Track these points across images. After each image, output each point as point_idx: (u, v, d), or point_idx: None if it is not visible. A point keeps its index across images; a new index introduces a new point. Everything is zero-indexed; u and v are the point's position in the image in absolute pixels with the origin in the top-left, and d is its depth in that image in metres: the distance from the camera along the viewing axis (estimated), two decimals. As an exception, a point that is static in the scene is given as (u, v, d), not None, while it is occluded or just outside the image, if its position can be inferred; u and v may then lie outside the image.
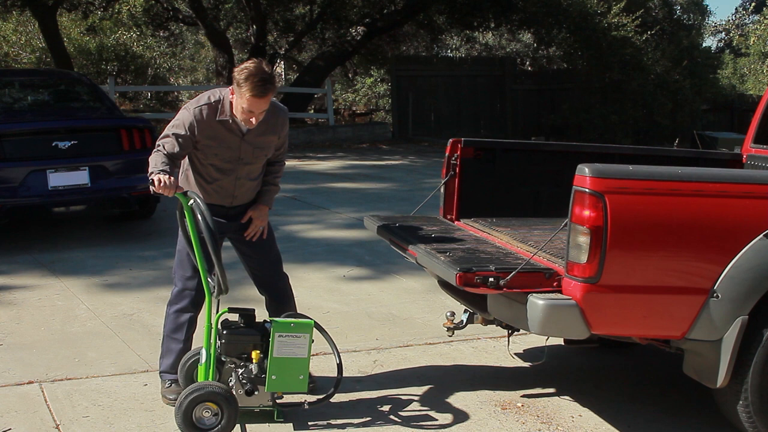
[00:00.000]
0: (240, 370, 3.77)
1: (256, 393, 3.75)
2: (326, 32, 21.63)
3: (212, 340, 3.75)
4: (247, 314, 3.83)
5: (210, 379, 3.74)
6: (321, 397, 3.89)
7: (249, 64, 3.71)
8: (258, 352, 3.75)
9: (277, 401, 3.83)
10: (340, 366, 3.89)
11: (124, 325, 5.28)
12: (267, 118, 3.90)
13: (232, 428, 3.66)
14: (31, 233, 7.96)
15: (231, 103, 3.82)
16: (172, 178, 3.70)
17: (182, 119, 3.83)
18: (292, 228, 8.32)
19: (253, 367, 3.74)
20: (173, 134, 3.81)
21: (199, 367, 3.84)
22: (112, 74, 19.75)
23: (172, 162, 3.80)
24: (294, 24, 21.93)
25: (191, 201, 3.71)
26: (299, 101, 19.78)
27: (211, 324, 3.74)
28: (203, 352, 3.80)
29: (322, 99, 21.79)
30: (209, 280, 3.76)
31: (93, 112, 8.55)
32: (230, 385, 3.78)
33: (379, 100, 23.20)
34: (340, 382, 3.89)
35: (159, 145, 3.82)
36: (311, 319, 3.80)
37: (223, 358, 3.81)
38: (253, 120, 3.78)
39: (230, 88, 3.79)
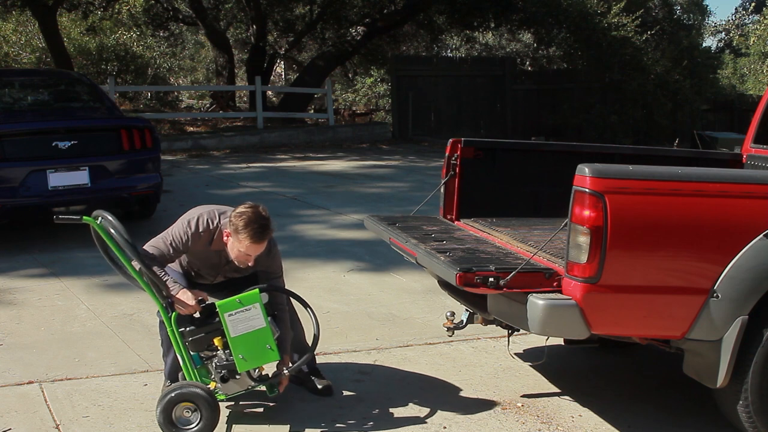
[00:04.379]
0: (214, 361, 3.78)
1: (237, 377, 3.75)
2: (326, 32, 21.66)
3: (180, 343, 3.76)
4: (203, 306, 3.77)
5: (194, 379, 3.75)
6: (300, 361, 3.90)
7: (247, 210, 3.74)
8: (220, 338, 3.74)
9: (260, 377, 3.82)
10: (316, 322, 3.88)
11: (124, 325, 5.28)
12: None
13: (213, 428, 3.64)
14: (31, 233, 7.95)
15: (225, 242, 3.84)
16: (194, 297, 3.73)
17: (178, 237, 3.87)
18: (292, 228, 8.32)
19: (222, 354, 3.75)
20: (163, 250, 3.84)
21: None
22: (112, 74, 19.74)
23: (163, 269, 3.83)
24: (294, 24, 21.96)
25: (99, 219, 3.67)
26: (299, 101, 19.79)
27: (172, 328, 3.74)
28: (177, 355, 3.83)
29: (322, 99, 21.80)
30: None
31: (93, 112, 8.55)
32: (212, 377, 3.79)
33: (379, 100, 23.20)
34: (317, 339, 3.88)
35: (150, 254, 3.80)
36: (257, 287, 3.77)
37: (201, 355, 3.81)
38: (251, 263, 3.84)
39: (226, 230, 3.81)
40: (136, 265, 3.67)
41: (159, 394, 4.09)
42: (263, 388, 3.90)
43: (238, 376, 3.76)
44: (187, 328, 3.74)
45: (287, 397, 4.15)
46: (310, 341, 4.01)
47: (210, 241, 3.91)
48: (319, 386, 4.22)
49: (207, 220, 3.90)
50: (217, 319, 3.71)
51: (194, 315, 3.77)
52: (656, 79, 18.89)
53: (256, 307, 3.70)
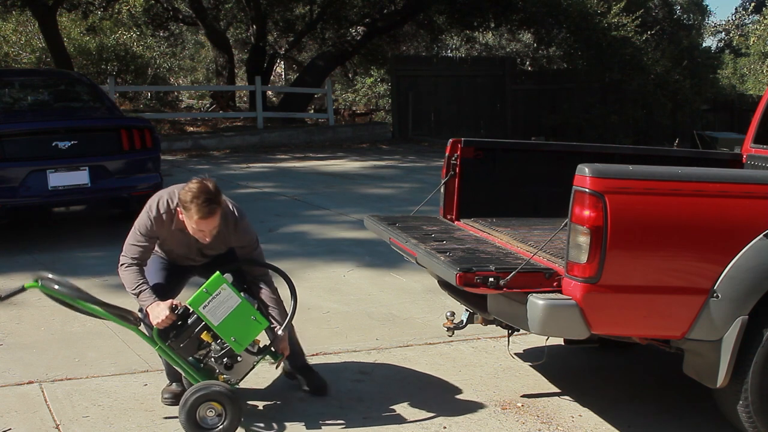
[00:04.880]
0: (212, 357, 3.78)
1: (239, 359, 3.76)
2: (326, 32, 21.65)
3: (172, 356, 3.78)
4: (178, 311, 3.78)
5: (198, 382, 3.75)
6: (287, 320, 3.88)
7: (193, 185, 3.73)
8: (206, 332, 3.75)
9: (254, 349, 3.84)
10: (292, 289, 3.91)
11: (124, 325, 5.27)
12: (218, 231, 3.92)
13: (236, 428, 3.66)
14: (31, 233, 7.95)
15: (182, 221, 3.84)
16: (166, 307, 3.72)
17: (144, 223, 3.90)
18: (292, 228, 8.32)
19: (216, 346, 3.76)
20: (137, 243, 3.88)
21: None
22: (112, 74, 19.73)
23: (143, 272, 3.88)
24: (294, 24, 21.95)
25: (40, 281, 3.74)
26: (299, 101, 19.80)
27: (159, 346, 3.77)
28: (176, 368, 3.86)
29: (322, 99, 21.79)
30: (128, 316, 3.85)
31: (93, 112, 8.55)
32: (218, 371, 3.80)
33: (379, 100, 23.19)
34: (295, 307, 3.91)
35: (126, 258, 3.87)
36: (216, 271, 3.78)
37: (196, 357, 3.82)
38: (207, 238, 3.82)
39: (179, 209, 3.80)
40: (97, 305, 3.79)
41: (159, 394, 4.12)
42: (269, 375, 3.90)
43: (240, 359, 3.78)
44: (173, 339, 3.76)
45: (287, 397, 4.15)
46: (309, 334, 4.01)
47: (172, 222, 3.89)
48: (311, 387, 4.21)
49: (167, 200, 3.89)
50: (195, 316, 3.72)
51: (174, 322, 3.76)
52: (656, 79, 18.89)
53: (225, 289, 3.71)
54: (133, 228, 3.92)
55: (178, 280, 4.14)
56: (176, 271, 4.10)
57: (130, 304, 5.67)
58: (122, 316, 3.78)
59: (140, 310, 3.89)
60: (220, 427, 3.63)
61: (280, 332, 3.86)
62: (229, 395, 3.64)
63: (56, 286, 3.70)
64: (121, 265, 3.88)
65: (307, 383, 4.22)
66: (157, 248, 4.05)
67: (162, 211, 3.87)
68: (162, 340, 3.75)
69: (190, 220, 3.73)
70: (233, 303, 3.70)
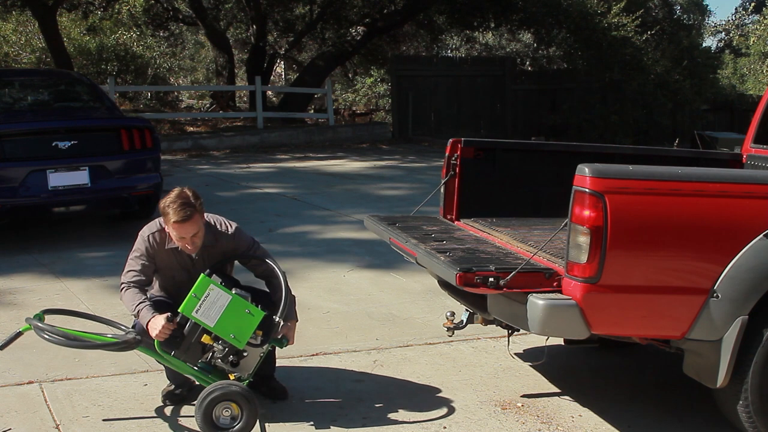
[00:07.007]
0: (217, 358, 3.78)
1: (245, 354, 3.76)
2: (326, 32, 21.66)
3: (180, 365, 3.80)
4: (175, 321, 3.78)
5: (209, 384, 3.74)
6: (281, 306, 3.87)
7: (172, 192, 3.79)
8: (205, 335, 3.75)
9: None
10: (285, 283, 3.91)
11: (124, 325, 5.27)
12: (210, 244, 3.95)
13: (252, 427, 3.65)
14: (31, 233, 7.96)
15: (170, 235, 3.88)
16: (162, 318, 3.72)
17: (138, 247, 3.95)
18: (292, 228, 8.32)
19: (218, 346, 3.76)
20: (134, 267, 3.91)
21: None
22: (112, 74, 19.73)
23: (145, 292, 3.91)
24: (294, 24, 21.96)
25: (33, 324, 3.79)
26: (299, 101, 19.80)
27: (165, 359, 3.79)
28: (189, 376, 3.89)
29: (322, 99, 21.80)
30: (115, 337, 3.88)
31: (93, 112, 8.56)
32: (227, 371, 3.81)
33: (379, 100, 23.20)
34: (287, 297, 3.90)
35: (125, 282, 3.91)
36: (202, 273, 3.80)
37: (205, 360, 3.82)
38: (189, 245, 3.85)
39: (165, 225, 3.86)
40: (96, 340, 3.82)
41: (159, 394, 4.11)
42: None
43: (245, 354, 3.77)
44: (175, 348, 3.77)
45: (287, 397, 4.15)
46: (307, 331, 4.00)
47: (165, 242, 3.93)
48: (272, 391, 4.17)
49: (157, 222, 3.95)
50: (192, 322, 3.73)
51: (173, 332, 3.76)
52: (656, 79, 18.90)
53: (213, 289, 3.72)
54: (130, 256, 3.97)
55: None
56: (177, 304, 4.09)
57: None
58: (122, 345, 3.80)
59: (134, 327, 3.91)
60: (237, 426, 3.63)
61: (276, 319, 3.85)
62: (246, 395, 3.64)
63: (46, 336, 3.72)
64: (121, 289, 3.92)
65: (266, 389, 4.18)
66: (158, 289, 4.08)
67: (155, 231, 3.93)
68: (166, 351, 3.76)
69: (168, 227, 3.79)
70: (225, 301, 3.72)
